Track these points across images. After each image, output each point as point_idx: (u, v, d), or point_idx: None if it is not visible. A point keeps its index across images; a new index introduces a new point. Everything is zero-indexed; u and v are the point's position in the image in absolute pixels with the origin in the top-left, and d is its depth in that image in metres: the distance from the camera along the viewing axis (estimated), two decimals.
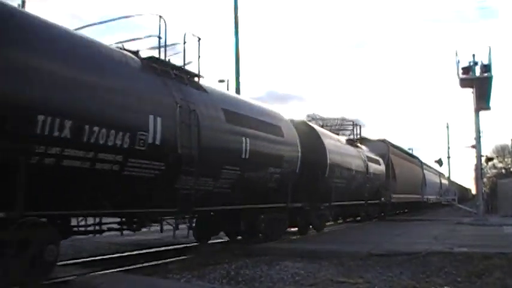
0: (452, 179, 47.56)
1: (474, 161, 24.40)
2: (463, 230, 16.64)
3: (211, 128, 9.58)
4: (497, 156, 56.03)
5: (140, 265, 8.90)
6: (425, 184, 34.84)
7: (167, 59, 9.28)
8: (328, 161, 15.08)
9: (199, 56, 10.06)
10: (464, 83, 22.09)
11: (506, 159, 63.40)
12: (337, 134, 18.68)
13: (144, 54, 9.13)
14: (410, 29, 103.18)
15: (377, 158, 22.06)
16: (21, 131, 6.04)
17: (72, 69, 6.92)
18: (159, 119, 8.08)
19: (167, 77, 8.98)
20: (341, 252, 9.78)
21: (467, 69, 21.52)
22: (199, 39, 9.94)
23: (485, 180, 44.66)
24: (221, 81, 34.03)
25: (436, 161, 32.92)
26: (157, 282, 7.22)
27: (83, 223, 7.98)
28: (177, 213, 9.41)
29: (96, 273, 7.69)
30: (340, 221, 21.00)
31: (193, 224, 10.70)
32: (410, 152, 34.04)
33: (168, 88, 8.80)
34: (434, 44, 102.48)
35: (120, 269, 8.30)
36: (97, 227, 8.23)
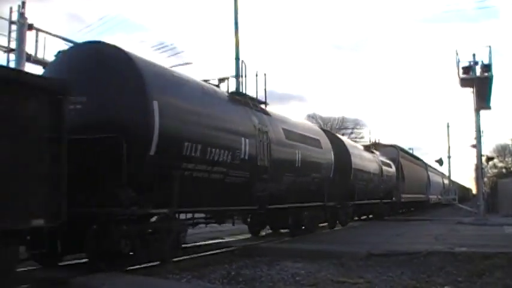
0: (453, 178, 47.99)
1: (475, 161, 24.38)
2: (463, 229, 16.64)
3: (277, 144, 12.13)
4: (497, 156, 56.03)
5: (141, 266, 8.88)
6: (430, 184, 37.02)
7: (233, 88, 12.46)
8: (353, 166, 17.91)
9: (265, 89, 12.77)
10: (464, 83, 22.08)
11: (506, 159, 63.39)
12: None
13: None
14: (411, 28, 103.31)
15: (389, 161, 24.82)
16: (177, 154, 8.51)
17: (197, 107, 9.40)
18: (247, 140, 10.67)
19: (247, 106, 11.62)
20: (341, 253, 9.79)
21: (467, 69, 21.50)
22: (265, 75, 12.65)
23: (485, 179, 44.67)
24: (222, 80, 34.24)
25: (437, 161, 32.97)
26: (158, 282, 7.22)
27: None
28: (256, 210, 12.19)
29: (97, 273, 7.67)
30: (356, 219, 22.42)
31: (249, 220, 14.42)
32: (415, 155, 36.61)
33: (249, 115, 11.42)
34: (435, 44, 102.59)
35: (122, 269, 8.29)
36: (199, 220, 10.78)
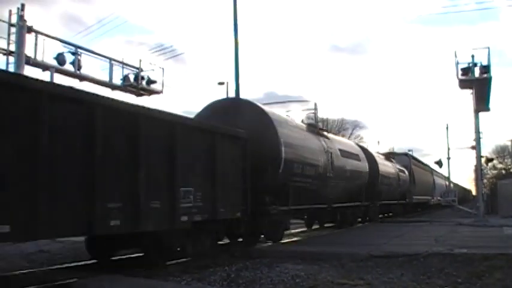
0: (453, 180, 48.32)
1: (474, 162, 24.40)
2: (463, 231, 16.64)
3: (336, 160, 16.53)
4: (497, 157, 56.05)
5: (141, 268, 8.87)
6: (435, 187, 40.96)
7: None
8: (380, 172, 22.43)
9: (320, 121, 17.49)
10: (463, 84, 22.08)
11: (506, 160, 63.41)
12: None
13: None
14: (410, 29, 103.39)
15: (403, 168, 28.98)
16: (291, 171, 12.85)
17: (297, 140, 13.85)
18: (321, 158, 15.25)
19: (318, 134, 16.22)
20: (341, 254, 9.79)
21: (466, 70, 21.50)
22: (327, 118, 17.72)
23: (485, 181, 44.64)
24: (221, 83, 34.19)
25: (436, 162, 32.96)
26: (157, 284, 7.22)
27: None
28: (326, 208, 16.26)
29: (97, 276, 7.68)
30: (380, 216, 25.40)
31: (305, 216, 17.91)
32: (422, 161, 41.01)
33: (319, 140, 15.87)
34: (434, 45, 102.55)
35: (121, 271, 8.29)
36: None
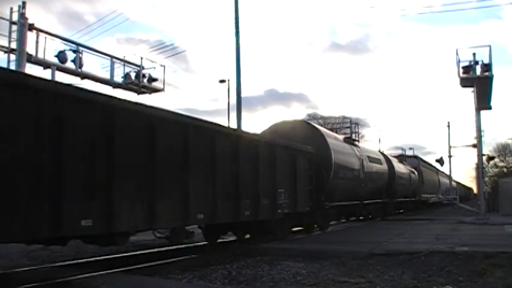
0: (455, 178, 48.46)
1: (475, 160, 24.38)
2: (464, 229, 16.62)
3: (366, 165, 20.41)
4: (498, 155, 55.99)
5: (142, 265, 8.88)
6: (440, 186, 43.99)
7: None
8: (396, 174, 25.96)
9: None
10: (464, 82, 22.04)
11: (507, 158, 63.37)
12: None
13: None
14: (411, 27, 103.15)
15: (413, 169, 32.32)
16: (338, 175, 16.45)
17: (340, 150, 17.59)
18: (356, 163, 19.17)
19: (352, 144, 20.07)
20: (342, 252, 9.79)
21: (467, 69, 21.45)
22: (362, 136, 21.40)
23: (486, 179, 44.56)
24: (222, 81, 34.19)
25: (437, 160, 32.83)
26: (158, 282, 7.22)
27: None
28: (358, 205, 19.66)
29: (97, 273, 7.68)
30: (396, 212, 28.62)
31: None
32: (429, 162, 43.41)
33: (353, 149, 19.68)
34: (436, 42, 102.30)
35: (122, 269, 8.30)
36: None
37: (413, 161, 34.36)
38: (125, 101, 8.01)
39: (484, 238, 12.98)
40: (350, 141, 20.19)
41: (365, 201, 20.27)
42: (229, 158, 10.38)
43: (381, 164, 23.64)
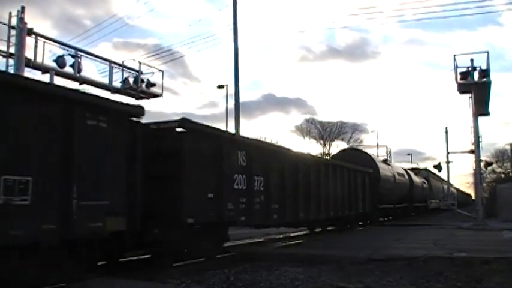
0: (454, 184, 48.72)
1: (473, 166, 24.38)
2: (462, 234, 16.64)
3: (396, 179, 27.93)
4: (496, 161, 56.03)
5: (140, 270, 8.86)
6: (444, 192, 46.97)
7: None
8: (414, 184, 33.28)
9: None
10: (462, 88, 22.10)
11: (505, 164, 63.34)
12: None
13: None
14: (409, 33, 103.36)
15: (424, 179, 39.04)
16: (381, 183, 24.54)
17: (383, 167, 25.97)
18: (390, 176, 26.82)
19: (388, 164, 28.53)
20: (340, 257, 9.78)
21: (465, 75, 21.52)
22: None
23: (484, 185, 44.54)
24: (220, 86, 34.25)
25: (435, 166, 32.96)
26: (157, 287, 7.21)
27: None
28: (391, 208, 26.72)
29: (95, 278, 7.65)
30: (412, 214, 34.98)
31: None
32: (436, 173, 46.08)
33: (390, 167, 28.29)
34: (433, 48, 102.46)
35: (120, 273, 8.27)
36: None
37: (424, 173, 42.29)
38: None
39: (482, 244, 12.99)
40: (386, 161, 30.35)
41: (396, 205, 28.25)
42: (328, 180, 16.87)
43: (404, 177, 31.09)
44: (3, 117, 6.17)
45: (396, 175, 27.89)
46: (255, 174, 11.76)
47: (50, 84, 10.53)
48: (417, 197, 34.22)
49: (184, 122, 9.52)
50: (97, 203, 7.35)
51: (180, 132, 9.49)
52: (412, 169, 38.55)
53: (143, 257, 10.36)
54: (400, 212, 29.48)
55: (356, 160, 21.80)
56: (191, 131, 9.63)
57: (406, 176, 31.49)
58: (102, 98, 8.62)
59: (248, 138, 12.86)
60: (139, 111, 8.52)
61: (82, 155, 7.09)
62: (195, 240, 9.78)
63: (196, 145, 9.66)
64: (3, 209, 5.96)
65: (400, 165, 36.65)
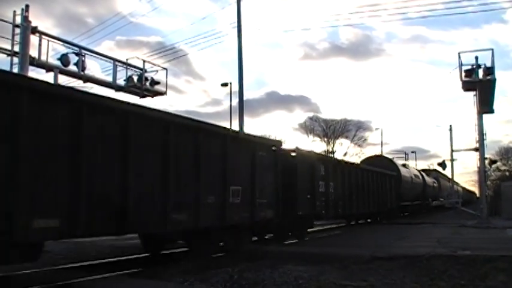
0: (460, 183, 48.90)
1: (478, 164, 24.32)
2: (466, 233, 16.61)
3: (413, 179, 32.93)
4: (500, 159, 55.88)
5: (143, 269, 8.89)
6: (447, 191, 49.29)
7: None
8: (426, 184, 37.19)
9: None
10: (467, 86, 22.04)
11: (510, 162, 63.15)
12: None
13: None
14: (413, 30, 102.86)
15: (434, 179, 42.64)
16: (403, 185, 29.27)
17: (403, 169, 31.06)
18: (409, 177, 31.84)
19: (406, 167, 33.33)
20: (344, 256, 9.77)
21: (470, 72, 21.45)
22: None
23: (488, 183, 44.44)
24: (224, 84, 34.27)
25: (439, 164, 32.94)
26: (159, 285, 7.23)
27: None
28: (409, 205, 31.49)
29: (98, 276, 7.69)
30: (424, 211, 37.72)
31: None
32: (444, 173, 47.84)
33: (411, 171, 34.42)
34: (438, 46, 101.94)
35: (123, 272, 8.31)
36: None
37: (434, 173, 45.66)
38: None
39: (486, 242, 12.98)
40: (405, 165, 34.45)
41: (413, 202, 32.21)
42: (369, 183, 21.70)
43: (419, 178, 35.56)
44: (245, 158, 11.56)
45: (413, 176, 33.10)
46: (330, 181, 16.55)
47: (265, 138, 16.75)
48: (429, 195, 39.08)
49: (297, 149, 14.86)
50: (263, 201, 11.91)
51: (294, 156, 14.45)
52: (424, 170, 43.18)
53: (144, 255, 10.38)
54: (416, 208, 33.94)
55: (381, 164, 26.68)
56: (299, 155, 14.69)
57: (420, 177, 36.23)
58: (265, 138, 16.04)
59: (324, 155, 21.67)
60: (278, 144, 13.57)
61: (259, 174, 11.74)
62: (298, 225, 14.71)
63: (302, 164, 14.59)
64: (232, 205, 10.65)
65: (414, 167, 42.18)
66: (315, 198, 15.18)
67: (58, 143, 6.83)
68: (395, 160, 33.19)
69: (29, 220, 6.24)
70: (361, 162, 29.19)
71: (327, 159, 18.91)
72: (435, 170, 45.02)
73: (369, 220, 25.02)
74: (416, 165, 56.75)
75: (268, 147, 12.70)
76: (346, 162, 20.42)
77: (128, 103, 8.73)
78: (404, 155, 58.53)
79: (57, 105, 6.85)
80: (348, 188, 18.52)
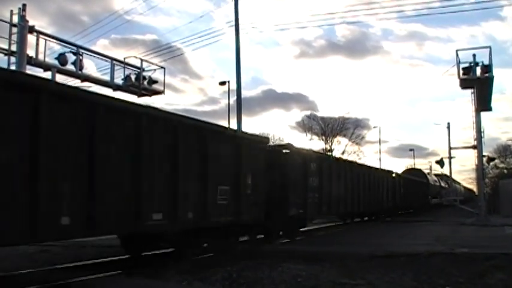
0: (459, 181, 49.60)
1: (476, 161, 24.38)
2: (464, 230, 16.64)
3: (432, 183, 43.81)
4: (498, 157, 55.89)
5: (142, 268, 8.87)
6: (456, 190, 52.65)
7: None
8: (431, 183, 42.67)
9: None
10: (464, 84, 22.06)
11: (508, 159, 63.19)
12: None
13: None
14: (409, 27, 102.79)
15: (445, 182, 46.16)
16: (431, 188, 42.93)
17: (430, 178, 44.00)
18: (426, 180, 41.77)
19: (428, 174, 45.51)
20: (343, 254, 9.78)
21: (467, 70, 21.46)
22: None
23: (487, 180, 44.54)
24: (222, 83, 34.27)
25: (437, 162, 32.93)
26: (158, 285, 7.21)
27: None
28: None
29: (97, 276, 7.68)
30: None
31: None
32: (447, 174, 49.04)
33: (430, 177, 44.57)
34: (435, 43, 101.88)
35: (122, 272, 8.30)
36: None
37: (443, 176, 49.60)
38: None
39: (485, 239, 12.99)
40: (429, 174, 43.60)
41: (433, 200, 40.08)
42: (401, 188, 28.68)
43: (437, 182, 44.30)
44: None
45: (435, 181, 43.69)
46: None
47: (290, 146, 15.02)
48: (435, 194, 45.46)
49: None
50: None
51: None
52: (437, 175, 49.45)
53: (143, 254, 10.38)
54: (435, 205, 42.29)
55: (415, 173, 39.93)
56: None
57: (438, 181, 45.73)
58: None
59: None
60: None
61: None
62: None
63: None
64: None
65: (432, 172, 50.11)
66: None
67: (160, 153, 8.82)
68: (424, 170, 45.37)
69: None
70: (403, 172, 37.93)
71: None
72: (445, 175, 48.44)
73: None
74: (414, 163, 60.42)
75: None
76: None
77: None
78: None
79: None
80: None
